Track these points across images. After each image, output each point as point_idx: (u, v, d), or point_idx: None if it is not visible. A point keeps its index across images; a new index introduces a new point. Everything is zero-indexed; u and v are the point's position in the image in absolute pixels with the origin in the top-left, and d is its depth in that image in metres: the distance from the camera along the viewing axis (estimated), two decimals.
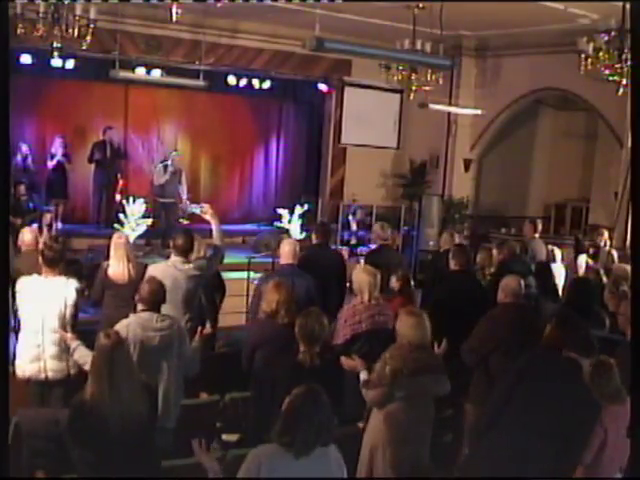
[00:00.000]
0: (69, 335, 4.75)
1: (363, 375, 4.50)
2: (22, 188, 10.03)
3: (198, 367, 4.86)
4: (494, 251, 7.32)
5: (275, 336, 4.83)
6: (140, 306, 4.67)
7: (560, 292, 7.31)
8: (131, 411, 3.50)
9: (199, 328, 5.25)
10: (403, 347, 4.34)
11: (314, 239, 7.04)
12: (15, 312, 5.08)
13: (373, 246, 8.06)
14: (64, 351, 5.05)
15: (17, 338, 5.12)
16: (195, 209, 6.33)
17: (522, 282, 5.63)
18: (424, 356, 4.35)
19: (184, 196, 11.29)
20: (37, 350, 5.05)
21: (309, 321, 4.37)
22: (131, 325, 4.56)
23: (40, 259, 5.16)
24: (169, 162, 11.27)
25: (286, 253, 6.09)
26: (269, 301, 4.99)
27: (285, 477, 3.12)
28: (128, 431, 3.48)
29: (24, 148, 10.88)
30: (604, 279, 7.00)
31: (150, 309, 4.62)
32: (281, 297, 4.97)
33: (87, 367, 4.47)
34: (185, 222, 11.02)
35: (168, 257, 5.83)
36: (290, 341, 4.53)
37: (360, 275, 5.48)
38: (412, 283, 6.43)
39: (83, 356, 4.58)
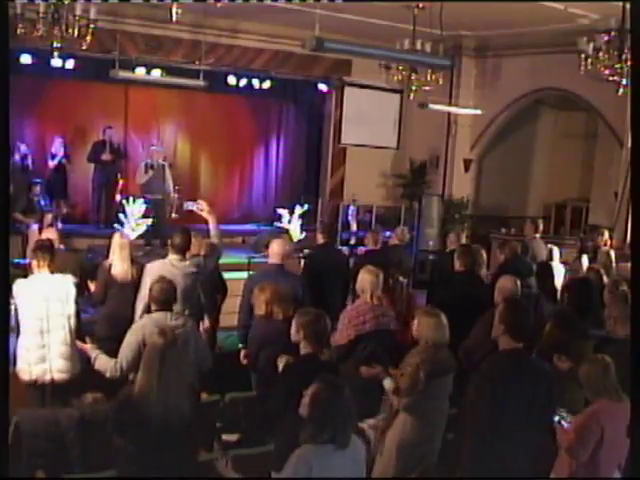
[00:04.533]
0: (88, 346, 4.76)
1: (387, 383, 4.44)
2: (37, 188, 10.06)
3: (211, 361, 4.89)
4: (483, 252, 7.32)
5: (278, 334, 4.85)
6: (153, 306, 4.69)
7: (559, 292, 7.30)
8: (175, 409, 3.55)
9: (201, 322, 5.27)
10: (429, 349, 4.33)
11: (319, 239, 7.03)
12: (15, 314, 5.07)
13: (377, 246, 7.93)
14: (71, 350, 5.08)
15: (16, 341, 5.10)
16: (192, 206, 6.32)
17: (518, 282, 5.63)
18: (445, 356, 4.38)
19: (170, 191, 11.18)
20: (42, 351, 5.05)
21: (308, 320, 4.35)
22: (147, 326, 4.57)
23: (34, 260, 5.16)
24: (148, 160, 11.14)
25: (274, 253, 6.09)
26: (259, 304, 5.08)
27: (337, 472, 3.16)
28: (169, 428, 3.54)
29: (22, 148, 10.88)
30: (604, 279, 7.00)
31: (163, 308, 4.65)
32: (267, 296, 5.05)
33: (108, 374, 4.51)
34: (175, 216, 10.98)
35: (166, 256, 5.85)
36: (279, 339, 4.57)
37: (363, 275, 5.49)
38: (403, 280, 6.38)
39: (103, 364, 4.60)
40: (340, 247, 11.65)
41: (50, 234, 6.47)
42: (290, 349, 4.50)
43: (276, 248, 6.11)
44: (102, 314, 5.91)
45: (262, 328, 5.09)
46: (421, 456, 4.35)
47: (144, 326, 4.58)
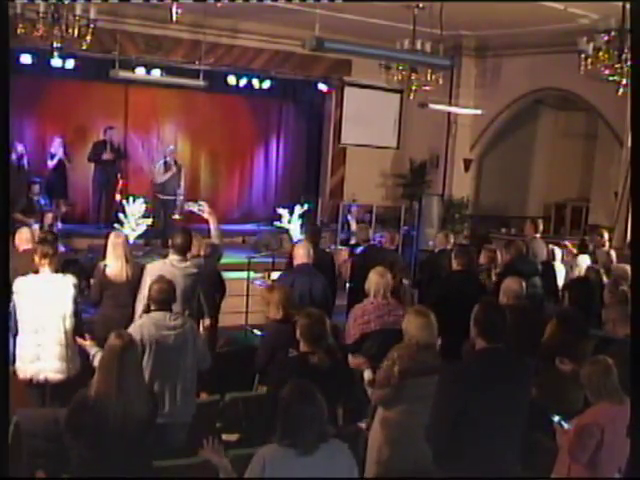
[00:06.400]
0: (88, 343, 4.76)
1: (367, 374, 4.49)
2: (37, 187, 10.04)
3: (210, 361, 4.89)
4: (499, 251, 7.34)
5: (292, 336, 4.84)
6: (151, 306, 4.69)
7: (560, 292, 7.31)
8: (132, 413, 3.51)
9: (201, 321, 5.27)
10: (411, 347, 4.32)
11: (304, 239, 7.16)
12: (14, 313, 5.06)
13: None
14: (67, 351, 5.07)
15: (14, 340, 5.10)
16: (192, 207, 6.34)
17: (523, 284, 5.63)
18: (430, 357, 4.34)
19: (180, 193, 11.21)
20: (37, 350, 5.04)
21: (309, 322, 4.36)
22: (145, 325, 4.57)
23: (35, 255, 5.16)
24: (168, 159, 11.24)
25: (300, 255, 6.20)
26: (272, 307, 5.10)
27: (290, 477, 3.11)
28: (125, 432, 3.49)
29: (19, 148, 10.86)
30: (604, 279, 7.00)
31: (161, 308, 4.64)
32: (277, 297, 5.07)
33: None
34: (177, 217, 10.99)
35: (166, 256, 5.85)
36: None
37: (372, 276, 5.54)
38: (405, 282, 6.43)
39: None
40: (340, 247, 11.69)
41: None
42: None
43: (302, 251, 6.21)
44: (99, 315, 5.91)
45: (278, 329, 5.08)
46: (403, 455, 4.27)
47: (142, 325, 4.58)
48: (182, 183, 11.30)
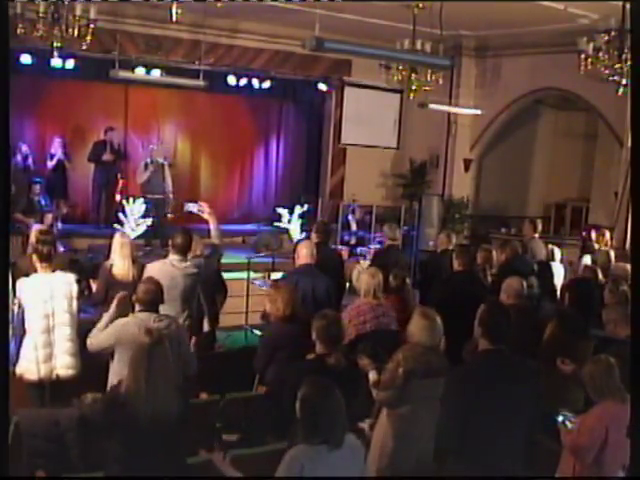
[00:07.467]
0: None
1: (372, 375, 4.49)
2: (37, 188, 10.05)
3: (196, 366, 4.87)
4: (495, 251, 7.34)
5: (294, 336, 4.83)
6: (137, 306, 4.67)
7: (558, 292, 7.31)
8: (163, 409, 3.53)
9: (193, 337, 5.26)
10: (415, 348, 4.32)
11: (314, 238, 7.07)
12: (21, 313, 5.06)
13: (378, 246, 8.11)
14: (75, 346, 5.09)
15: (19, 340, 5.09)
16: (192, 208, 6.35)
17: (524, 283, 5.63)
18: (435, 358, 4.35)
19: (169, 190, 11.10)
20: (49, 349, 5.06)
21: (326, 323, 4.34)
22: (128, 325, 4.55)
23: (34, 256, 5.17)
24: (148, 159, 11.10)
25: (302, 255, 6.12)
26: (278, 305, 5.03)
27: (328, 473, 3.18)
28: (157, 428, 3.51)
29: (24, 148, 10.88)
30: (601, 279, 7.00)
31: (147, 309, 4.62)
32: (287, 295, 5.04)
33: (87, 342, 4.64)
34: (170, 216, 10.95)
35: (166, 256, 5.85)
36: (307, 341, 4.52)
37: (363, 276, 5.52)
38: (408, 282, 6.43)
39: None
40: (340, 247, 11.68)
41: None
42: (305, 351, 4.51)
43: (305, 251, 6.14)
44: (100, 314, 5.90)
45: (279, 329, 5.07)
46: (404, 456, 4.29)
47: (125, 325, 4.57)
48: (168, 181, 11.08)
